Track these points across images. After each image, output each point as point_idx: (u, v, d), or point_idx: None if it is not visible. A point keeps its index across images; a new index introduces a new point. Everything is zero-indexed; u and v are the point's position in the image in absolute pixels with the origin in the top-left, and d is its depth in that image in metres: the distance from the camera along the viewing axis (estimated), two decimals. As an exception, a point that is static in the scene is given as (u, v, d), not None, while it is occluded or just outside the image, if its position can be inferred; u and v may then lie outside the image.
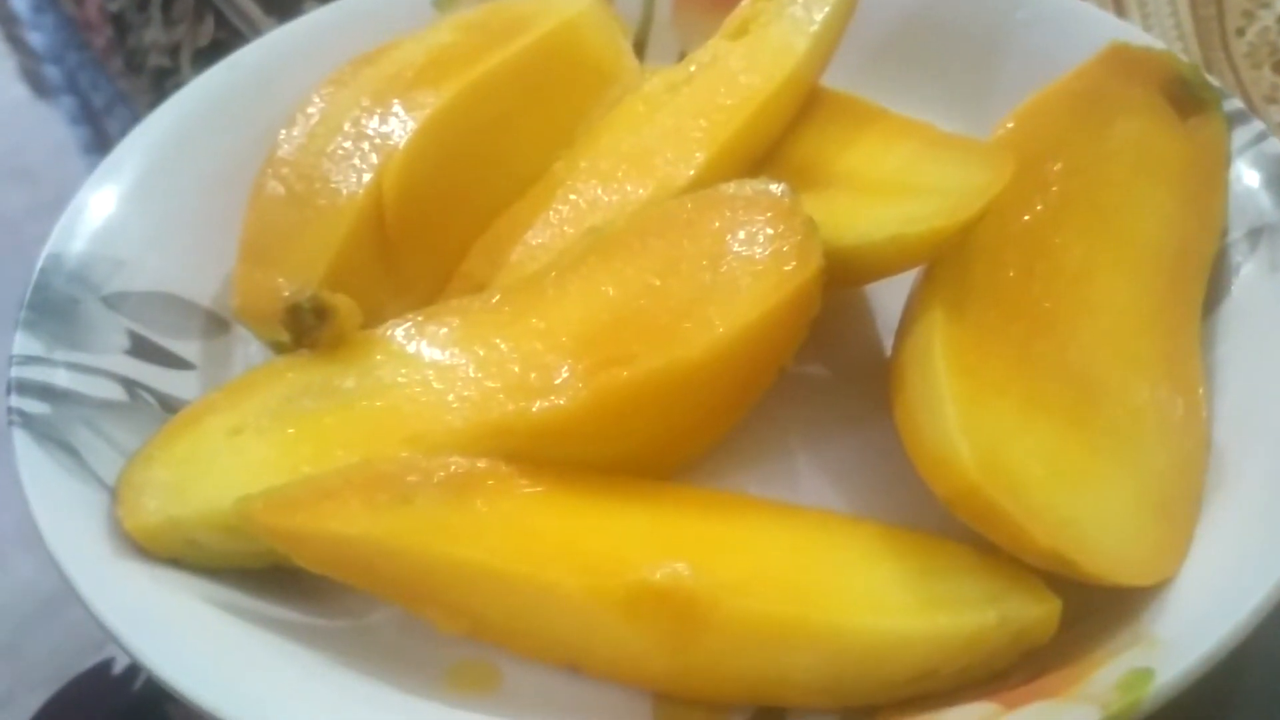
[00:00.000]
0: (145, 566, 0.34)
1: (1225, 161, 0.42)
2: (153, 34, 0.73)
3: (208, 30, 0.69)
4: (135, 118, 0.81)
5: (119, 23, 0.76)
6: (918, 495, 0.35)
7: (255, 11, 0.63)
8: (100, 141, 1.04)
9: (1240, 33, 0.58)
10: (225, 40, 0.67)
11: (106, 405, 0.38)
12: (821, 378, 0.42)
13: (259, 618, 0.34)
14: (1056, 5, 0.49)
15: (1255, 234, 0.40)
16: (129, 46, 0.76)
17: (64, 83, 1.04)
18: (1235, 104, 0.43)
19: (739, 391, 0.38)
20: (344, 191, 0.42)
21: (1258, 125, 0.43)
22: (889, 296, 0.42)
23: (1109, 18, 0.50)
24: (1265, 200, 0.41)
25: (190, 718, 0.46)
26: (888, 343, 0.43)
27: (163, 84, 0.73)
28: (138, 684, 0.49)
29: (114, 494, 0.35)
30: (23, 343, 0.38)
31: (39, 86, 1.16)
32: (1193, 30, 0.58)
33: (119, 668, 0.50)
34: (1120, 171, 0.41)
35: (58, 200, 0.42)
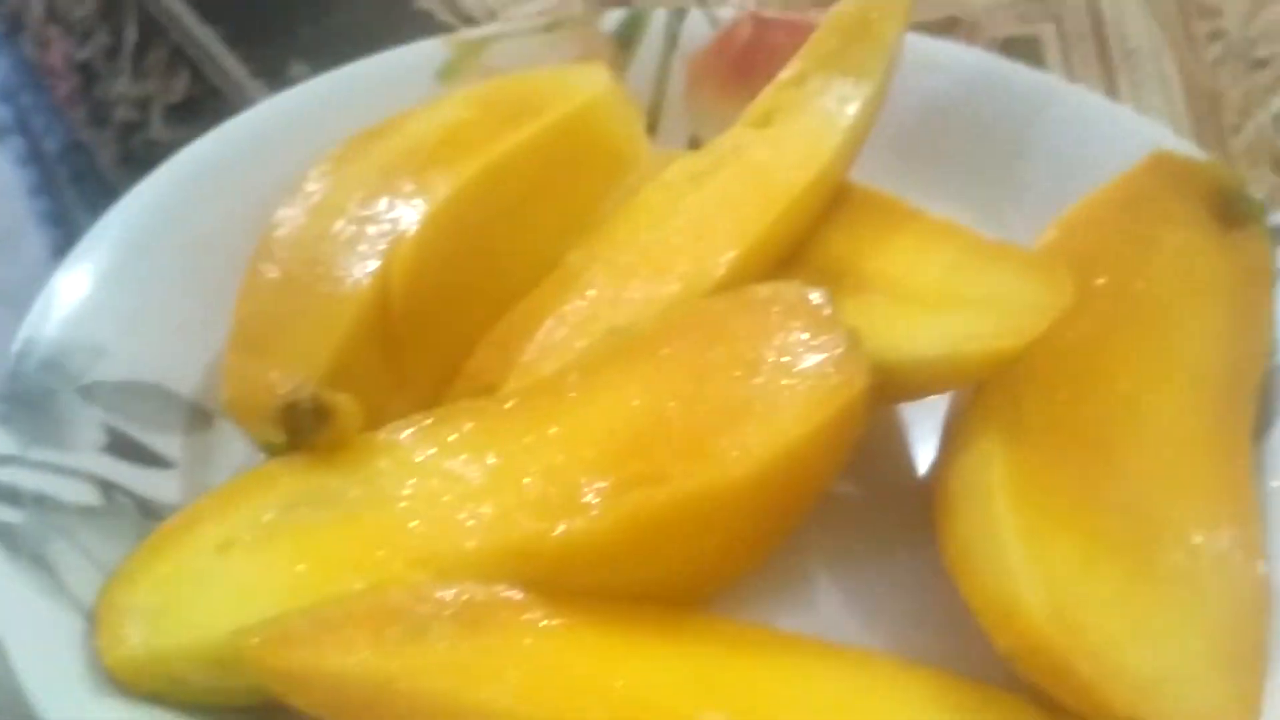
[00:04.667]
0: (126, 706, 0.30)
1: (1272, 278, 0.41)
2: (122, 86, 0.69)
3: (181, 85, 0.66)
4: (92, 166, 0.78)
5: (86, 71, 0.73)
6: (965, 634, 0.32)
7: (237, 70, 0.60)
8: (49, 184, 1.00)
9: (1236, 130, 0.57)
10: (200, 97, 0.64)
11: (83, 511, 0.35)
12: (853, 496, 0.40)
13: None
14: (1087, 104, 0.48)
15: (1303, 358, 0.39)
16: (95, 97, 0.72)
17: (14, 123, 0.99)
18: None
19: (778, 516, 0.36)
20: (348, 279, 0.39)
21: (1303, 241, 0.41)
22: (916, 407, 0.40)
23: (1142, 120, 0.49)
24: (1314, 323, 0.39)
25: None
26: (918, 455, 0.41)
27: (129, 138, 0.69)
28: None
29: (93, 620, 0.32)
30: (-2, 440, 0.35)
31: (-14, 125, 1.11)
32: (1190, 128, 0.57)
33: None
34: (1167, 287, 0.39)
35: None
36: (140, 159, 0.68)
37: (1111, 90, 0.59)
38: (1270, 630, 0.33)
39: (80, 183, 0.90)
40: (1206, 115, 0.58)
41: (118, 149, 0.72)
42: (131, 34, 0.69)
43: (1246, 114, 0.58)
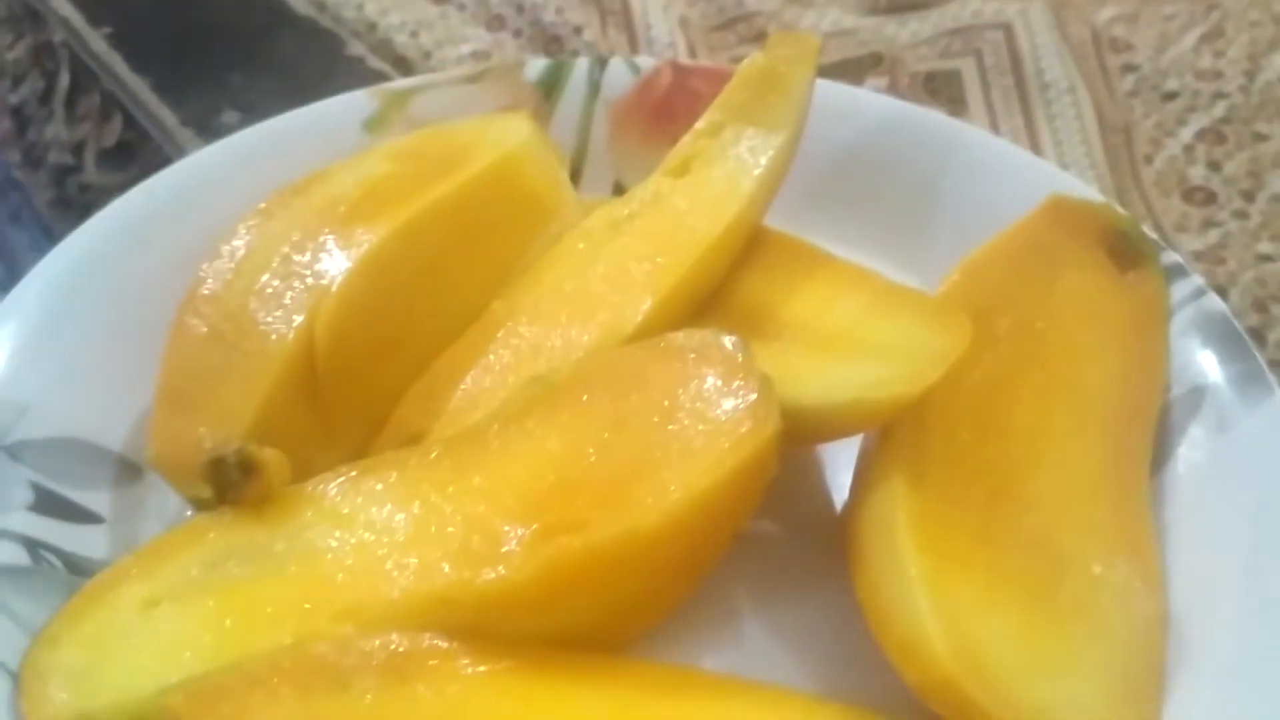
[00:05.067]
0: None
1: (1166, 316, 0.42)
2: (54, 129, 0.70)
3: (114, 130, 0.66)
4: (29, 204, 0.78)
5: (18, 115, 0.73)
6: (879, 663, 0.34)
7: (168, 117, 0.61)
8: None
9: (1149, 160, 0.59)
10: (133, 142, 0.65)
11: (8, 572, 0.35)
12: (776, 534, 0.41)
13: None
14: (993, 149, 0.49)
15: (1197, 392, 0.41)
16: (28, 140, 0.72)
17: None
18: (1172, 258, 0.44)
19: (694, 559, 0.37)
20: (273, 334, 0.40)
21: (1195, 280, 0.43)
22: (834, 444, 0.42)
23: (1046, 164, 0.51)
24: (1206, 359, 0.41)
25: None
26: (835, 491, 0.42)
27: (64, 181, 0.69)
28: None
29: (17, 682, 0.32)
30: (-81, 502, 0.35)
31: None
32: (1103, 158, 0.59)
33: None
34: (1065, 326, 0.41)
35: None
36: (74, 202, 0.69)
37: (1029, 122, 0.61)
38: (1167, 658, 0.35)
39: (18, 220, 0.90)
40: (1120, 146, 0.60)
41: (52, 192, 0.72)
42: (64, 79, 0.70)
43: (1158, 144, 0.60)
